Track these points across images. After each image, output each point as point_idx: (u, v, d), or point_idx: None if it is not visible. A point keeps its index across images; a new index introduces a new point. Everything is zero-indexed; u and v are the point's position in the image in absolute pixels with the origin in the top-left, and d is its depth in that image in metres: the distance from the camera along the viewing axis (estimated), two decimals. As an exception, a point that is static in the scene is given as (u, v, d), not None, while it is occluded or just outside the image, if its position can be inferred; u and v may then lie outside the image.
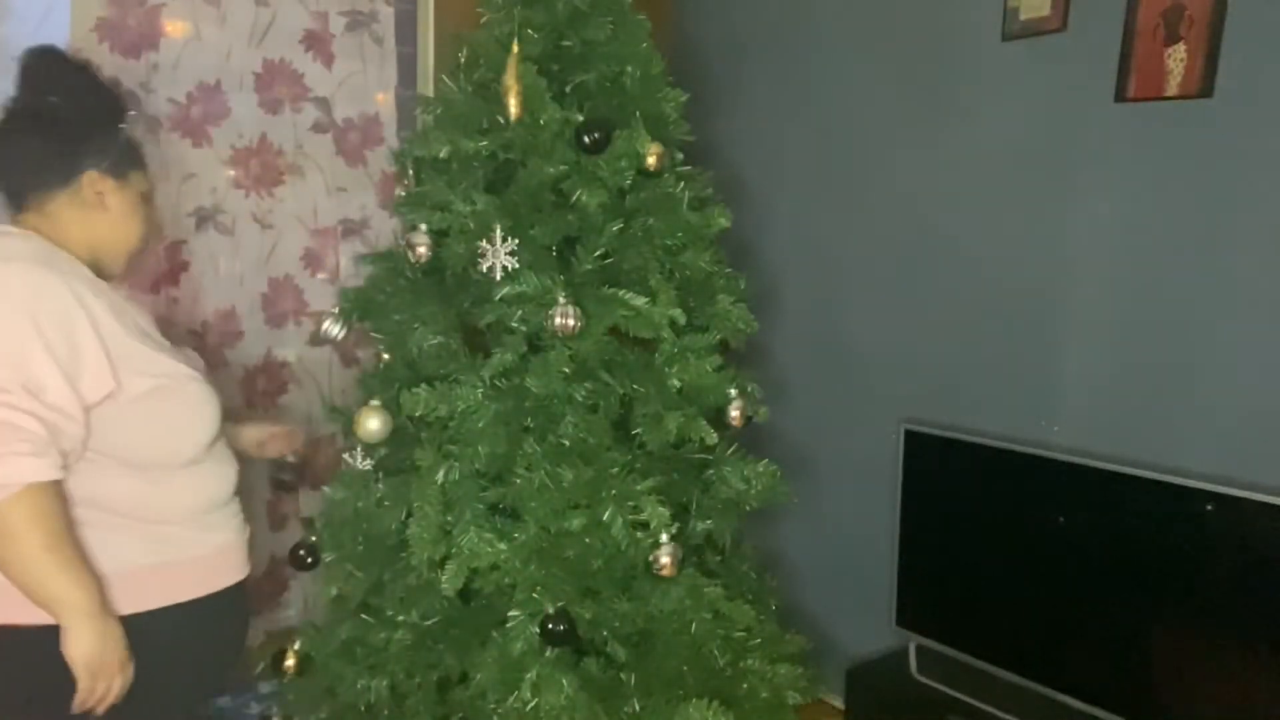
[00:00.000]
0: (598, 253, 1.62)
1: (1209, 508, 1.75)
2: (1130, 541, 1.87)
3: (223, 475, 1.48)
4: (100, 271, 1.40)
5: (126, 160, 1.40)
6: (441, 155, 1.62)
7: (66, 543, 1.25)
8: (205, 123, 2.18)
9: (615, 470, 1.57)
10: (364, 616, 1.69)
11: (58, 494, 1.25)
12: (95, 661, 1.27)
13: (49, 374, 1.21)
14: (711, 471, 1.75)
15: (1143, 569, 1.86)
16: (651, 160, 1.63)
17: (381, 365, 1.78)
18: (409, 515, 1.58)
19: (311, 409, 2.39)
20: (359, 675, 1.66)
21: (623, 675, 1.59)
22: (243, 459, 1.57)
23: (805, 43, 2.59)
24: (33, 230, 1.34)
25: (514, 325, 1.59)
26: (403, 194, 1.74)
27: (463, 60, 1.74)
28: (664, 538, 1.55)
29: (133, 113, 1.45)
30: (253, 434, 1.67)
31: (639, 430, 1.62)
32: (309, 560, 1.74)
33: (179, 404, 1.38)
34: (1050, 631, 2.01)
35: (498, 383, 1.57)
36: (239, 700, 2.29)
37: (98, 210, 1.37)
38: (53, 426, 1.22)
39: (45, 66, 1.37)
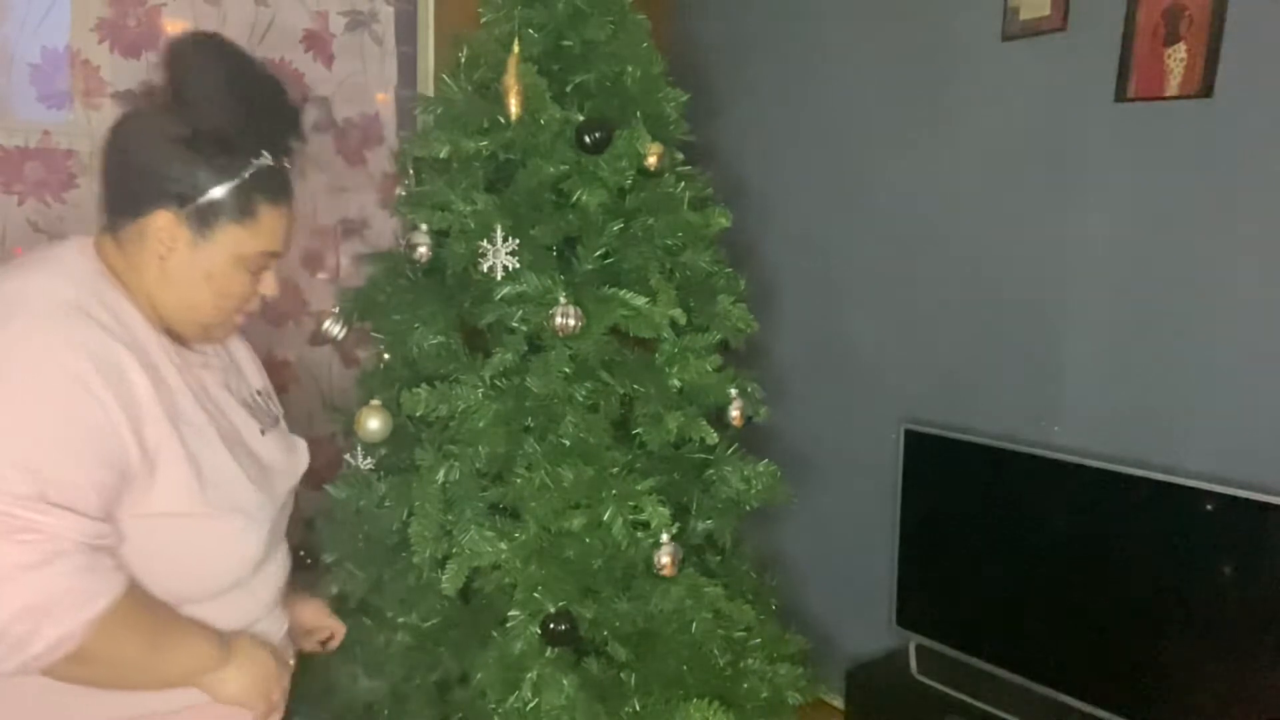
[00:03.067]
0: (598, 253, 1.62)
1: (1209, 508, 1.75)
2: (1130, 541, 1.87)
3: (244, 608, 1.16)
4: (170, 331, 1.11)
5: (228, 211, 1.06)
6: (441, 155, 1.62)
7: (164, 623, 1.04)
8: (205, 123, 2.18)
9: (615, 470, 1.57)
10: (364, 616, 1.69)
11: (128, 589, 0.98)
12: (251, 689, 1.11)
13: (72, 472, 0.94)
14: (712, 471, 1.75)
15: (1143, 569, 1.86)
16: (651, 160, 1.63)
17: (381, 365, 1.78)
18: (409, 515, 1.58)
19: (311, 409, 2.39)
20: (359, 675, 1.66)
21: (623, 675, 1.59)
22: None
23: (805, 43, 2.59)
24: (97, 251, 1.08)
25: (514, 325, 1.59)
26: (403, 194, 1.74)
27: (463, 60, 1.74)
28: (664, 537, 1.55)
29: (284, 148, 1.10)
30: (302, 617, 1.38)
31: (639, 430, 1.62)
32: (308, 560, 1.74)
33: (200, 539, 1.07)
34: (1050, 631, 2.01)
35: (498, 382, 1.57)
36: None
37: (156, 262, 1.06)
38: (93, 538, 0.95)
39: (191, 54, 1.07)
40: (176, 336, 1.12)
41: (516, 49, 1.58)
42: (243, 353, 1.30)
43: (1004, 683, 2.08)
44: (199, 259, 1.07)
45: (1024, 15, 2.08)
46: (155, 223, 1.04)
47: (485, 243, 1.59)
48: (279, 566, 1.23)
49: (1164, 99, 1.87)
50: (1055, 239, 2.08)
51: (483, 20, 1.71)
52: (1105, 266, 2.01)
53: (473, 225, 1.59)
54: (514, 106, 1.57)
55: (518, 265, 1.58)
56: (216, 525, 1.07)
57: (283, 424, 1.30)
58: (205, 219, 1.05)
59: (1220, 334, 1.85)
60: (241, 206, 1.06)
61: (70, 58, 1.97)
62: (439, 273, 1.70)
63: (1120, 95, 1.93)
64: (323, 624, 1.43)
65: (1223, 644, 1.76)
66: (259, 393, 1.28)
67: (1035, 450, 2.02)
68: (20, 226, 1.94)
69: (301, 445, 1.31)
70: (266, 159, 1.08)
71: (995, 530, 2.11)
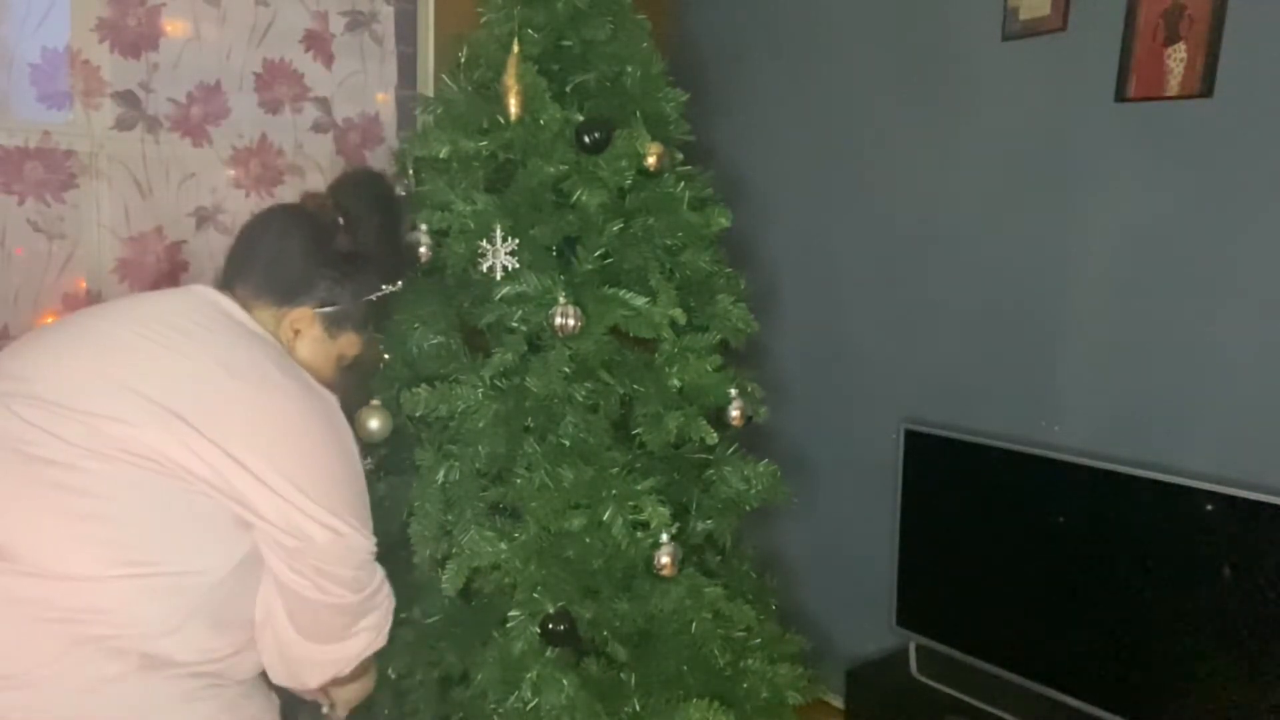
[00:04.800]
0: (598, 253, 1.62)
1: (1209, 508, 1.75)
2: (1130, 541, 1.87)
3: None
4: None
5: (355, 321, 1.29)
6: (441, 155, 1.62)
7: None
8: (205, 123, 2.18)
9: (615, 470, 1.57)
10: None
11: None
12: (356, 698, 1.39)
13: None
14: (711, 471, 1.75)
15: (1142, 569, 1.86)
16: (651, 160, 1.63)
17: (381, 365, 1.78)
18: (410, 515, 1.58)
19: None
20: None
21: (623, 675, 1.60)
22: None
23: (805, 42, 2.59)
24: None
25: (514, 325, 1.59)
26: (403, 194, 1.74)
27: (463, 60, 1.74)
28: (664, 538, 1.55)
29: (398, 285, 1.36)
30: None
31: (639, 430, 1.62)
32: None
33: None
34: (1050, 631, 2.01)
35: (498, 383, 1.57)
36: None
37: (283, 341, 1.24)
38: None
39: (363, 185, 1.32)
40: None
41: (516, 49, 1.58)
42: None
43: (1004, 683, 2.08)
44: (316, 350, 1.26)
45: (1024, 15, 2.08)
46: (295, 313, 1.22)
47: (485, 243, 1.59)
48: None
49: (1164, 99, 1.87)
50: (1055, 239, 2.08)
51: (483, 20, 1.71)
52: (1105, 266, 2.01)
53: (473, 225, 1.59)
54: (514, 106, 1.57)
55: (517, 265, 1.58)
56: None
57: None
58: (337, 322, 1.26)
59: (1220, 334, 1.85)
60: (364, 319, 1.29)
61: (70, 58, 1.97)
62: (439, 273, 1.70)
63: (1120, 95, 1.93)
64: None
65: (1223, 644, 1.76)
66: None
67: (1035, 450, 2.02)
68: (20, 226, 1.94)
69: None
70: (396, 287, 1.33)
71: (995, 530, 2.11)
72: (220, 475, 1.03)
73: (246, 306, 1.19)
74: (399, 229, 1.34)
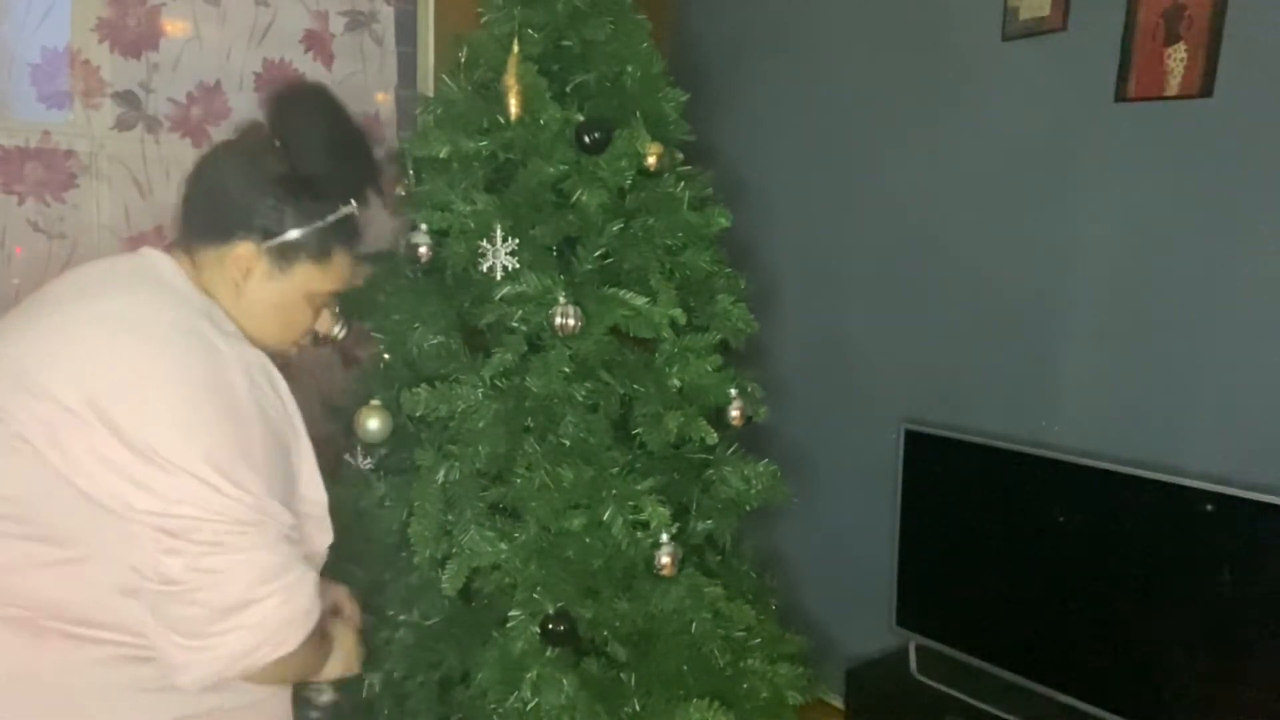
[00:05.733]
0: (598, 253, 1.62)
1: (1209, 508, 1.75)
2: (1130, 541, 1.87)
3: None
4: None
5: (308, 250, 1.12)
6: (441, 155, 1.62)
7: (318, 633, 1.11)
8: (205, 123, 2.18)
9: (615, 470, 1.57)
10: (366, 614, 1.69)
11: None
12: (348, 666, 1.27)
13: (274, 460, 1.05)
14: (711, 471, 1.75)
15: (1142, 569, 1.85)
16: (651, 160, 1.63)
17: (381, 365, 1.78)
18: (410, 515, 1.58)
19: (311, 409, 2.39)
20: (360, 673, 1.66)
21: (623, 675, 1.60)
22: None
23: (805, 42, 2.59)
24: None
25: (514, 325, 1.59)
26: (403, 194, 1.74)
27: (463, 60, 1.74)
28: (664, 537, 1.55)
29: (365, 198, 1.18)
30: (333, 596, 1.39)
31: (639, 430, 1.62)
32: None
33: (321, 530, 1.19)
34: (1050, 631, 2.01)
35: (498, 383, 1.57)
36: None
37: (230, 286, 1.12)
38: (290, 530, 1.06)
39: (299, 101, 1.15)
40: None
41: (516, 49, 1.59)
42: None
43: (1004, 683, 2.08)
44: (271, 290, 1.13)
45: (1024, 15, 2.08)
46: (237, 250, 1.09)
47: (485, 243, 1.59)
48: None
49: (1164, 99, 1.87)
50: (1055, 239, 2.08)
51: (483, 20, 1.71)
52: (1105, 266, 2.01)
53: (473, 225, 1.60)
54: (514, 106, 1.57)
55: (518, 265, 1.58)
56: (323, 520, 1.18)
57: None
58: (285, 255, 1.11)
59: (1220, 334, 1.85)
60: (320, 248, 1.13)
61: (70, 58, 1.97)
62: (439, 273, 1.70)
63: (1120, 95, 1.93)
64: (346, 606, 1.42)
65: (1222, 644, 1.76)
66: None
67: (1035, 450, 2.02)
68: (20, 226, 1.94)
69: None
70: (350, 207, 1.15)
71: (995, 530, 2.11)
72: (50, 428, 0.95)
73: (197, 260, 1.11)
74: (348, 142, 1.15)
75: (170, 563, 0.96)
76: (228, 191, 1.09)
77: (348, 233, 1.15)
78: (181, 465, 0.95)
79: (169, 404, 0.97)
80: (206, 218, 1.11)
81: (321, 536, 1.19)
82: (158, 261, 1.10)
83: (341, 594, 1.40)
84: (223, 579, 0.97)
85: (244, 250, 1.09)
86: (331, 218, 1.12)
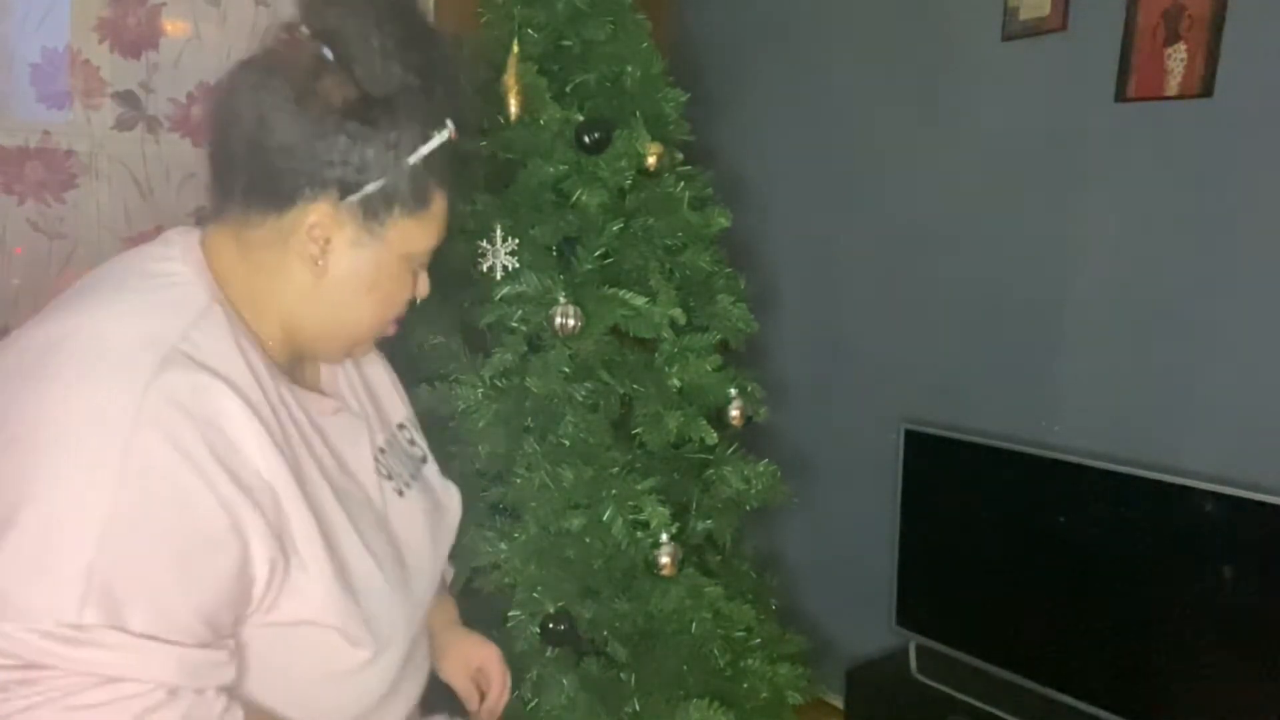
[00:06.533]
0: (598, 253, 1.62)
1: (1209, 508, 1.75)
2: (1130, 541, 1.87)
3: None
4: (295, 349, 0.87)
5: (403, 200, 0.82)
6: (441, 155, 1.62)
7: None
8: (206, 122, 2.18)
9: (615, 470, 1.57)
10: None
11: None
12: None
13: (169, 586, 0.69)
14: (711, 471, 1.76)
15: (1142, 569, 1.85)
16: (651, 160, 1.63)
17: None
18: (409, 515, 1.58)
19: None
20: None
21: (623, 675, 1.59)
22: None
23: (805, 42, 2.59)
24: (205, 255, 0.82)
25: (514, 325, 1.59)
26: None
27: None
28: (664, 537, 1.55)
29: (464, 117, 0.87)
30: (456, 659, 1.11)
31: (639, 430, 1.62)
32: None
33: (327, 656, 0.81)
34: (1050, 631, 2.01)
35: (498, 382, 1.57)
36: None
37: (305, 268, 0.82)
38: (193, 677, 0.70)
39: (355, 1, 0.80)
40: (295, 367, 0.88)
41: (516, 49, 1.59)
42: (380, 374, 1.03)
43: (1004, 683, 2.08)
44: (363, 262, 0.83)
45: (1024, 15, 2.08)
46: (307, 218, 0.79)
47: (485, 243, 1.59)
48: (407, 698, 0.94)
49: (1164, 99, 1.87)
50: (1055, 239, 2.08)
51: (483, 20, 1.71)
52: (1105, 266, 2.00)
53: (473, 225, 1.60)
54: (514, 106, 1.57)
55: (517, 265, 1.58)
56: (356, 646, 0.81)
57: (429, 464, 1.03)
58: (373, 211, 0.81)
59: (1220, 334, 1.85)
60: (416, 193, 0.83)
61: (70, 58, 1.97)
62: (439, 273, 1.70)
63: (1120, 95, 1.93)
64: (492, 670, 1.13)
65: (1223, 644, 1.76)
66: (400, 427, 1.02)
67: (1035, 450, 2.02)
68: (20, 226, 1.94)
69: (452, 495, 1.04)
70: (449, 130, 0.84)
71: (995, 530, 2.11)
72: None
73: (245, 239, 0.81)
74: (426, 43, 0.82)
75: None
76: (275, 136, 0.77)
77: (445, 167, 0.85)
78: None
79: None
80: (251, 181, 0.79)
81: (331, 674, 0.83)
82: (180, 252, 0.81)
83: (489, 657, 1.11)
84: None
85: (318, 215, 0.79)
86: (425, 149, 0.82)
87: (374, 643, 0.82)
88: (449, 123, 0.84)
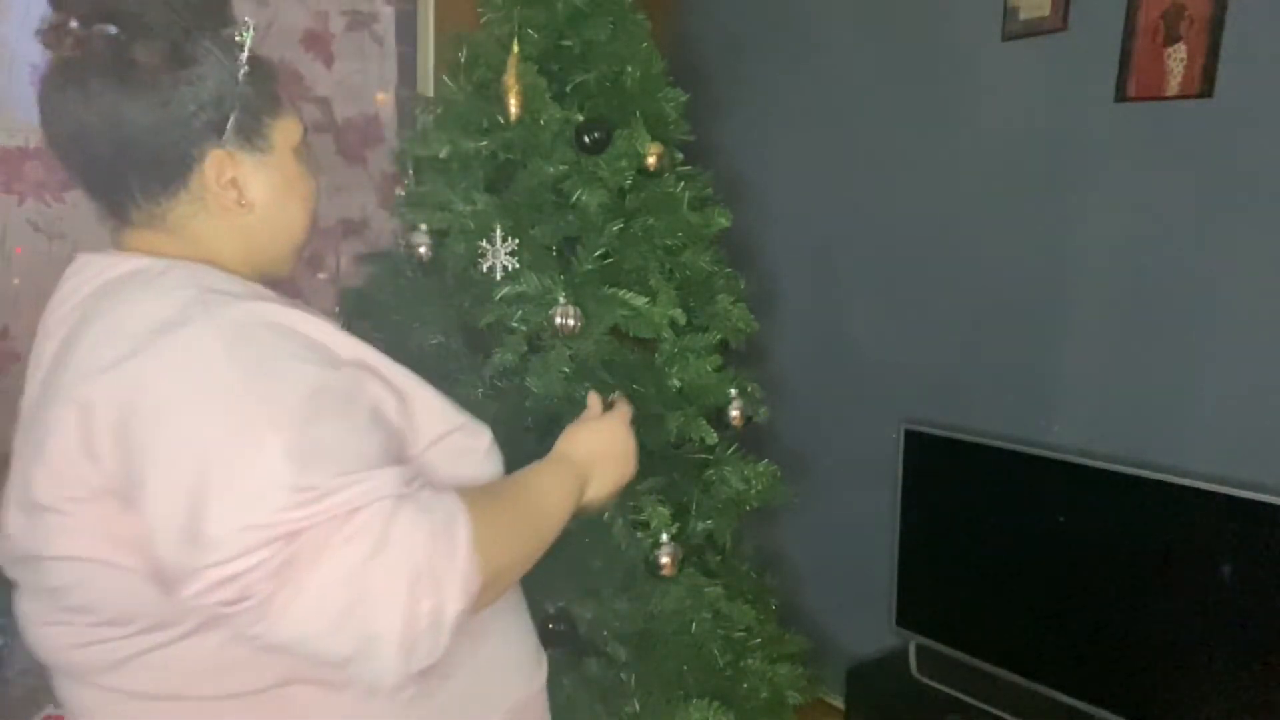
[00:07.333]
0: (598, 253, 1.62)
1: (1209, 508, 1.75)
2: (1130, 541, 1.87)
3: None
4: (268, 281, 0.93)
5: (260, 105, 0.87)
6: (441, 155, 1.62)
7: (523, 501, 0.98)
8: (205, 123, 2.18)
9: (615, 470, 1.56)
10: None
11: (469, 502, 0.80)
12: (618, 476, 1.15)
13: (346, 434, 0.76)
14: (711, 471, 1.75)
15: (1142, 569, 1.86)
16: (651, 160, 1.63)
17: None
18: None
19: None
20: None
21: (623, 675, 1.59)
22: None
23: (805, 42, 2.59)
24: (154, 254, 0.86)
25: (514, 325, 1.59)
26: (403, 194, 1.74)
27: (463, 60, 1.74)
28: (664, 537, 1.55)
29: (251, 29, 0.88)
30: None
31: (639, 430, 1.62)
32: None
33: (469, 458, 0.97)
34: (1051, 631, 2.01)
35: (498, 383, 1.57)
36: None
37: (231, 213, 0.86)
38: (399, 487, 0.75)
39: None
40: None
41: (516, 49, 1.59)
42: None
43: (1004, 683, 2.08)
44: (271, 174, 0.88)
45: (1024, 15, 2.08)
46: (207, 174, 0.83)
47: (485, 243, 1.59)
48: None
49: (1164, 99, 1.87)
50: (1055, 239, 2.08)
51: (483, 20, 1.71)
52: (1105, 266, 2.01)
53: (473, 225, 1.60)
54: (514, 106, 1.57)
55: (517, 265, 1.58)
56: (474, 436, 0.96)
57: None
58: (251, 129, 0.86)
59: (1220, 334, 1.85)
60: (265, 90, 0.88)
61: (70, 58, 1.97)
62: (439, 273, 1.70)
63: (1120, 95, 1.93)
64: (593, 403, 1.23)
65: (1223, 644, 1.76)
66: None
67: (1035, 450, 2.02)
68: (20, 226, 1.94)
69: None
70: (246, 21, 0.87)
71: (995, 530, 2.11)
72: None
73: (163, 225, 0.86)
74: None
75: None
76: (134, 125, 0.80)
77: (255, 60, 0.87)
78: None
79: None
80: (139, 173, 0.83)
81: (475, 470, 0.95)
82: (154, 269, 0.83)
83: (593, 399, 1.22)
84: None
85: (214, 165, 0.83)
86: (245, 51, 0.85)
87: (480, 428, 0.97)
88: (235, 14, 0.87)
